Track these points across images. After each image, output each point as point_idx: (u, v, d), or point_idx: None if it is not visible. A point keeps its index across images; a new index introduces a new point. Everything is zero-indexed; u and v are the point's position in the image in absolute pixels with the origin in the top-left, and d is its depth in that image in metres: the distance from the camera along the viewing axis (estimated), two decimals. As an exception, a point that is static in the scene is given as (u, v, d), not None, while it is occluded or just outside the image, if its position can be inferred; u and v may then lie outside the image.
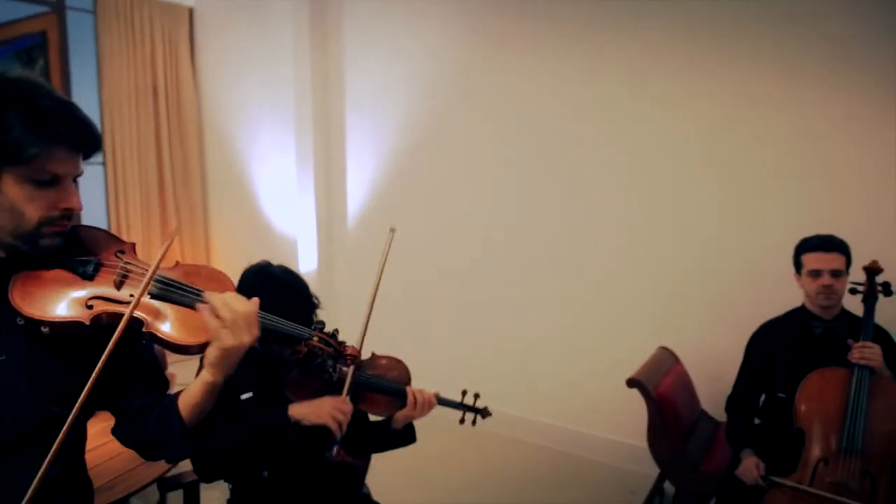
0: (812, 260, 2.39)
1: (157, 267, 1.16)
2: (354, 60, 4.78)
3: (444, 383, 4.69)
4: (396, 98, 4.54)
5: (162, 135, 5.81)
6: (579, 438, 3.78)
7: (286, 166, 5.20)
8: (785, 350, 2.46)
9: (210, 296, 1.18)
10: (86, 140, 1.13)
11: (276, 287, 1.73)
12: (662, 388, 2.76)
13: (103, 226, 5.24)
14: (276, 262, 1.86)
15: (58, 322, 1.12)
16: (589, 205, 3.73)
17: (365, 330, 1.83)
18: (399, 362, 1.93)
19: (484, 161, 4.12)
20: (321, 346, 1.39)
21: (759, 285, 3.09)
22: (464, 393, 1.94)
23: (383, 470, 2.55)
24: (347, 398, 1.61)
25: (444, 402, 1.88)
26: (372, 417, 1.89)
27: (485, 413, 1.95)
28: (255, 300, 1.20)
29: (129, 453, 1.41)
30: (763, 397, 2.56)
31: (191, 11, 6.01)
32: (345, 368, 1.65)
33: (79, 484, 1.28)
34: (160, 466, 2.11)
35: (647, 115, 3.45)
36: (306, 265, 5.04)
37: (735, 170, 3.23)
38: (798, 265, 2.47)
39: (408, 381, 1.88)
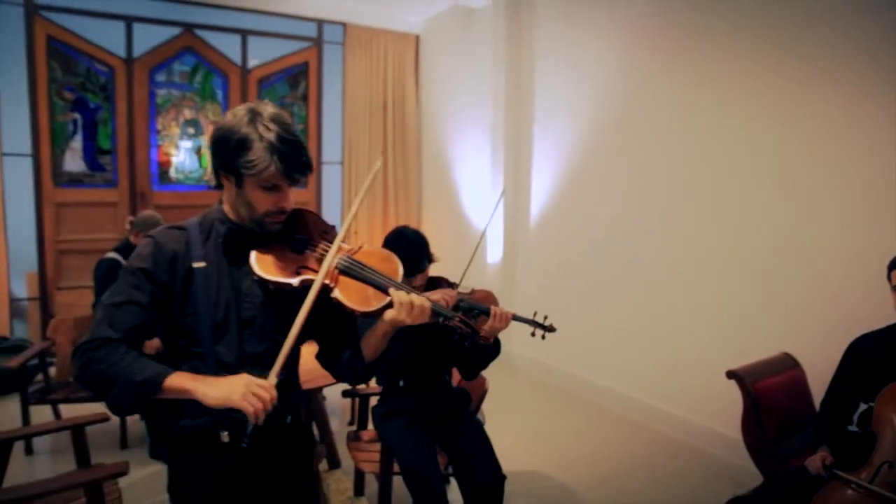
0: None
1: (339, 246, 1.56)
2: (542, 78, 5.37)
3: (572, 353, 5.11)
4: (575, 111, 5.04)
5: (388, 141, 6.98)
6: (700, 430, 3.95)
7: (482, 169, 5.99)
8: (880, 362, 2.51)
9: (396, 293, 1.54)
10: (295, 171, 1.50)
11: (405, 243, 2.42)
12: (764, 385, 2.92)
13: (338, 212, 6.54)
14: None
15: (277, 282, 1.53)
16: (728, 210, 3.85)
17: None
18: (490, 294, 2.52)
19: (643, 168, 4.44)
20: (461, 325, 1.70)
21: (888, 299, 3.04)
22: (535, 314, 2.32)
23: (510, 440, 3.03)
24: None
25: (518, 318, 2.28)
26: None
27: (550, 328, 2.29)
28: (429, 305, 1.60)
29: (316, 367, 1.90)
30: (862, 407, 2.62)
31: (417, 38, 7.10)
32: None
33: (293, 385, 1.71)
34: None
35: (788, 126, 3.52)
36: (493, 256, 5.76)
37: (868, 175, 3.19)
38: (890, 281, 2.51)
39: (495, 303, 2.38)
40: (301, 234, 1.59)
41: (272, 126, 1.46)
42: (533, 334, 2.27)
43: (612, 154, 4.72)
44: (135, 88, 5.90)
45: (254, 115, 1.47)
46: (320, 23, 6.64)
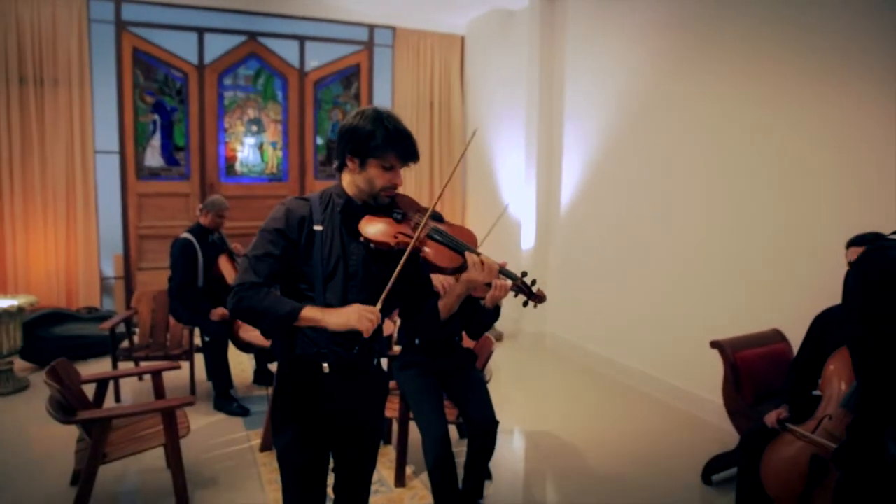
0: (851, 254, 2.71)
1: (428, 217, 1.92)
2: (571, 78, 5.73)
3: (594, 330, 5.43)
4: (601, 109, 5.37)
5: (434, 138, 7.46)
6: (694, 398, 4.23)
7: (517, 162, 6.40)
8: (839, 333, 2.74)
9: (470, 255, 1.91)
10: (407, 154, 1.88)
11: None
12: (745, 355, 3.21)
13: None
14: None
15: (378, 242, 1.87)
16: (735, 201, 4.13)
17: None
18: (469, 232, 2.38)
19: (661, 161, 4.74)
20: (521, 286, 2.05)
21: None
22: (524, 273, 2.09)
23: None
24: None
25: (505, 272, 2.03)
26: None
27: (537, 295, 2.05)
28: (497, 265, 1.95)
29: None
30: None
31: (462, 39, 7.55)
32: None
33: (381, 334, 2.00)
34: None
35: (789, 128, 3.73)
36: (526, 243, 6.17)
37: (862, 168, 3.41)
38: (847, 257, 2.78)
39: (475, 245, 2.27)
40: (399, 209, 1.97)
41: (392, 123, 1.85)
42: (516, 296, 2.10)
43: (634, 148, 5.05)
44: (205, 91, 6.60)
45: (378, 114, 1.86)
46: (371, 27, 7.18)
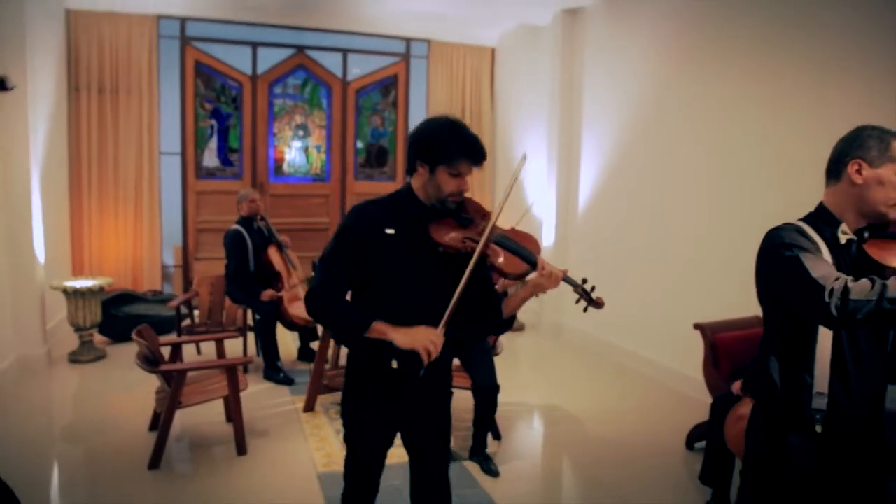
0: None
1: (494, 223, 1.95)
2: (589, 89, 6.22)
3: (598, 314, 5.91)
4: (615, 117, 5.86)
5: (465, 142, 8.00)
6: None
7: (541, 166, 6.91)
8: None
9: (541, 260, 1.97)
10: (478, 158, 1.92)
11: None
12: (724, 336, 3.67)
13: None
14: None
15: (447, 245, 1.92)
16: (731, 202, 4.56)
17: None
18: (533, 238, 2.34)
19: (668, 166, 5.17)
20: (581, 293, 2.08)
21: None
22: (584, 281, 2.13)
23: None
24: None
25: (568, 280, 2.04)
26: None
27: (596, 302, 2.09)
28: (561, 273, 1.98)
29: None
30: None
31: (493, 51, 8.09)
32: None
33: (450, 338, 1.97)
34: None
35: (790, 129, 4.05)
36: (547, 240, 6.67)
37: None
38: None
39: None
40: (466, 214, 2.02)
41: (461, 132, 1.92)
42: (577, 301, 2.13)
43: (645, 154, 5.52)
44: (258, 99, 7.30)
45: (449, 123, 1.94)
46: (408, 41, 7.79)
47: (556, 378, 5.35)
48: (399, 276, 1.94)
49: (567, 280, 2.01)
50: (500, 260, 1.96)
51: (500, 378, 3.55)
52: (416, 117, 7.95)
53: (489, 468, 3.43)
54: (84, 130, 6.47)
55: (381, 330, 1.85)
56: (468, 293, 1.93)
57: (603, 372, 5.44)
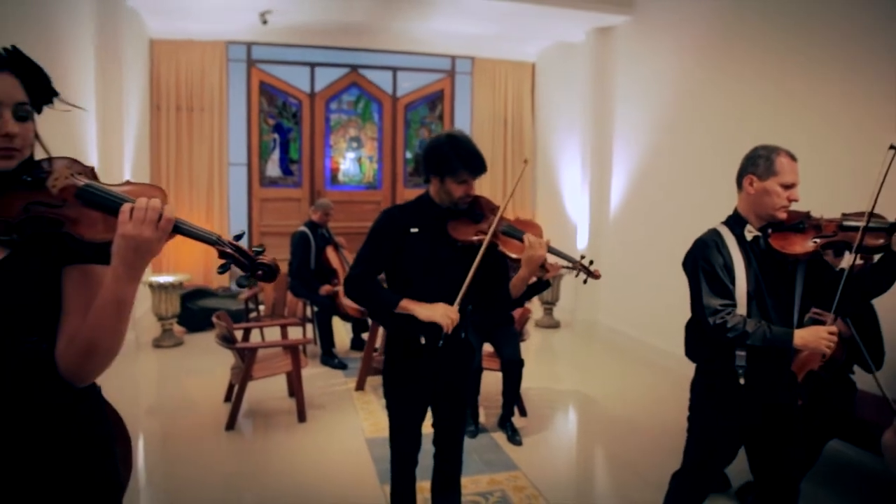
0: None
1: (501, 216, 2.28)
2: (620, 103, 6.66)
3: (628, 312, 6.29)
4: (644, 129, 6.28)
5: (507, 152, 8.53)
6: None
7: (574, 173, 7.36)
8: None
9: (527, 236, 2.24)
10: (476, 170, 2.21)
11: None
12: None
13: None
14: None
15: (463, 240, 2.25)
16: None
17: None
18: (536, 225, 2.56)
19: (691, 173, 5.57)
20: (578, 266, 2.53)
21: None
22: (582, 257, 2.61)
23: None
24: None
25: (554, 250, 2.39)
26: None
27: (594, 273, 2.58)
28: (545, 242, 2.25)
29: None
30: None
31: (533, 66, 8.59)
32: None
33: (466, 313, 2.32)
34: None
35: (800, 134, 4.43)
36: (581, 244, 7.11)
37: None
38: None
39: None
40: (478, 210, 2.32)
41: (461, 146, 2.20)
42: (577, 275, 2.59)
43: (673, 162, 5.93)
44: (315, 115, 8.00)
45: (450, 139, 2.23)
46: (453, 58, 8.36)
47: (587, 369, 5.79)
48: (423, 266, 2.26)
49: (552, 250, 2.32)
50: (505, 245, 2.31)
51: (532, 369, 4.07)
52: (461, 126, 8.49)
53: (514, 438, 3.92)
54: (163, 144, 7.27)
55: (407, 306, 2.17)
56: (480, 276, 2.25)
57: (634, 367, 5.84)
